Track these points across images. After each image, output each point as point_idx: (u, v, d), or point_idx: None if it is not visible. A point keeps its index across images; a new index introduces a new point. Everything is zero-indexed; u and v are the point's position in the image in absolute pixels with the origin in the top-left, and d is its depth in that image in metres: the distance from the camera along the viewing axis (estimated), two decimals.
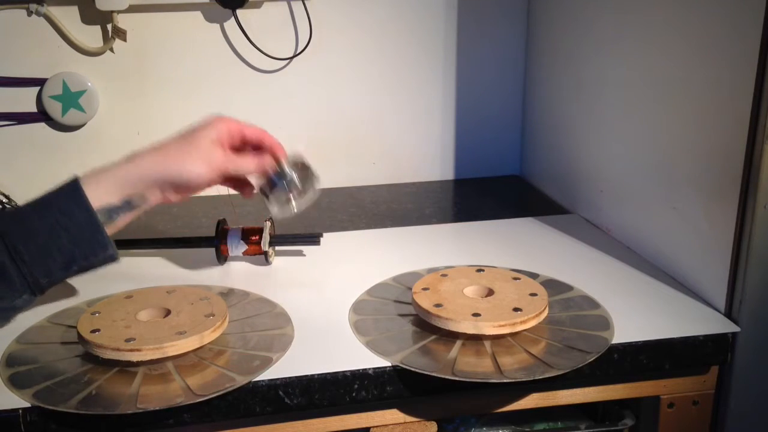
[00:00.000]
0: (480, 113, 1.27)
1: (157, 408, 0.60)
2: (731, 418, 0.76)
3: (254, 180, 0.79)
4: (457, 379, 0.64)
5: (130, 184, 0.70)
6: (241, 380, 0.64)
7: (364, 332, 0.72)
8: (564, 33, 1.09)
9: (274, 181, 0.77)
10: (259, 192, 0.79)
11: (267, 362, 0.67)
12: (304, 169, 0.79)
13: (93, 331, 0.66)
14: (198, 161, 0.72)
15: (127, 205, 0.70)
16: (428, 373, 0.65)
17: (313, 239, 0.90)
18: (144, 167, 0.71)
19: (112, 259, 0.69)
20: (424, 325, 0.72)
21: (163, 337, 0.66)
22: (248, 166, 0.76)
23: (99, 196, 0.69)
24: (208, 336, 0.67)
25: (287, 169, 0.78)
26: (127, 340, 0.65)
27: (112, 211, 0.69)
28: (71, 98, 1.12)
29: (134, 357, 0.64)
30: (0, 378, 0.65)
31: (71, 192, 0.68)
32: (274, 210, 0.79)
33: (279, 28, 1.16)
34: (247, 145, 0.78)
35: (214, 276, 0.87)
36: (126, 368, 0.65)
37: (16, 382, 0.64)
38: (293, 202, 0.78)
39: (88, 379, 0.64)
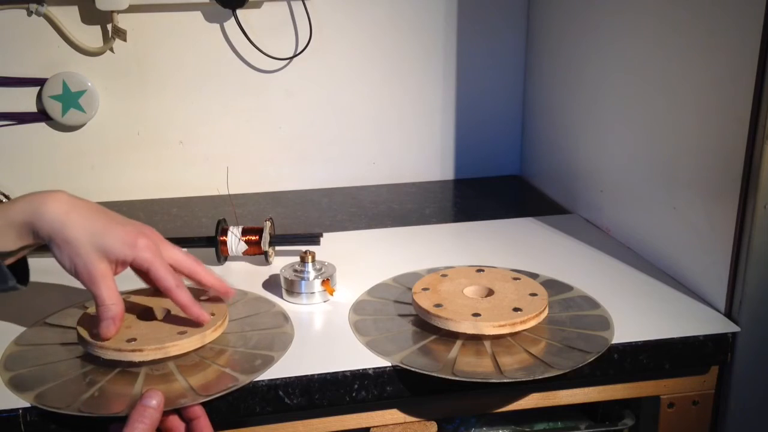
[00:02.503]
0: (480, 113, 1.27)
1: (162, 409, 0.60)
2: (731, 418, 0.76)
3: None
4: (457, 379, 0.64)
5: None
6: (243, 379, 0.64)
7: (364, 332, 0.72)
8: (564, 33, 1.09)
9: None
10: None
11: (269, 361, 0.67)
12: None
13: (95, 336, 0.66)
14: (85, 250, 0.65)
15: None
16: (428, 373, 0.65)
17: (313, 239, 0.90)
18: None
19: (14, 288, 0.69)
20: (424, 325, 0.72)
21: (165, 337, 0.66)
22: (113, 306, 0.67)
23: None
24: (210, 335, 0.67)
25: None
26: (129, 341, 0.65)
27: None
28: (71, 98, 1.12)
29: (136, 357, 0.64)
30: (0, 380, 0.64)
31: None
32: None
33: (279, 28, 1.16)
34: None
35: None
36: (127, 369, 0.65)
37: (17, 385, 0.64)
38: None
39: (90, 380, 0.64)
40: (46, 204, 0.65)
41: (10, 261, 0.68)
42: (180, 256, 0.70)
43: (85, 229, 0.65)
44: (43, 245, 0.67)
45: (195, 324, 0.68)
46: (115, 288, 0.66)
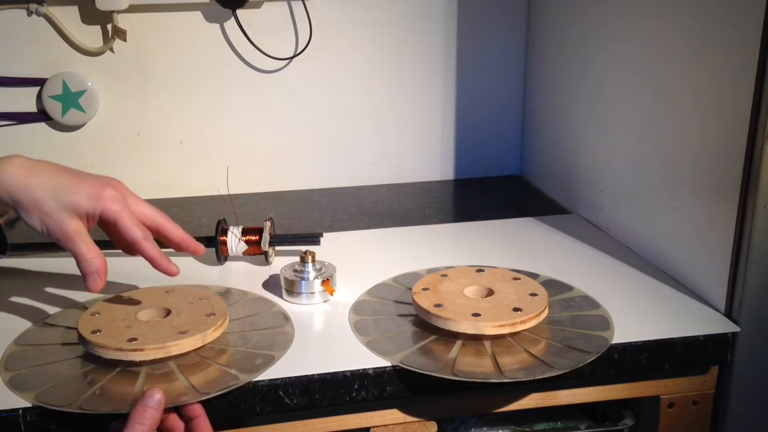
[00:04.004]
0: (480, 113, 1.27)
1: (163, 408, 0.60)
2: (731, 418, 0.76)
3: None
4: (457, 379, 0.64)
5: None
6: (244, 378, 0.64)
7: (364, 332, 0.72)
8: (564, 33, 1.09)
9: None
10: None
11: (269, 360, 0.67)
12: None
13: (94, 332, 0.66)
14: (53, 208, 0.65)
15: None
16: (428, 373, 0.65)
17: (313, 239, 0.90)
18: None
19: None
20: (424, 325, 0.72)
21: (166, 336, 0.66)
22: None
23: None
24: (210, 335, 0.68)
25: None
26: (130, 340, 0.65)
27: None
28: (71, 98, 1.12)
29: (137, 357, 0.64)
30: (1, 380, 0.64)
31: None
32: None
33: (279, 28, 1.16)
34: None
35: (213, 276, 0.87)
36: (128, 368, 0.65)
37: (17, 384, 0.64)
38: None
39: (91, 380, 0.64)
40: (3, 170, 0.64)
41: None
42: (148, 210, 0.69)
43: (49, 188, 0.64)
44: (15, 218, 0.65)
45: (195, 324, 0.68)
46: (91, 242, 0.65)
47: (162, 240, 0.69)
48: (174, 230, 0.69)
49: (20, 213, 0.65)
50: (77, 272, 0.68)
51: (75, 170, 0.68)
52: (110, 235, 0.70)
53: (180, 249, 0.70)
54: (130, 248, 0.68)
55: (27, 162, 0.66)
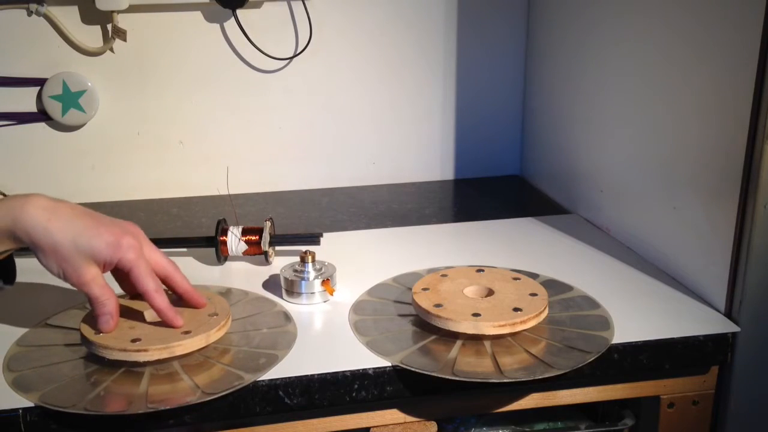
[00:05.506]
0: (480, 113, 1.27)
1: (169, 407, 0.60)
2: (731, 418, 0.76)
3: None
4: (457, 379, 0.64)
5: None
6: (249, 378, 0.64)
7: (364, 332, 0.72)
8: (564, 33, 1.09)
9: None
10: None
11: (273, 360, 0.67)
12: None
13: (97, 333, 0.66)
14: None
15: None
16: (428, 373, 0.65)
17: (313, 239, 0.90)
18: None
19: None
20: (424, 325, 0.72)
21: (169, 337, 0.66)
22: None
23: None
24: (214, 335, 0.68)
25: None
26: (133, 341, 0.65)
27: None
28: (71, 98, 1.12)
29: (141, 357, 0.64)
30: (4, 381, 0.64)
31: None
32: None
33: (279, 28, 1.16)
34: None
35: (214, 276, 0.87)
36: (132, 369, 0.65)
37: (21, 385, 0.64)
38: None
39: (95, 381, 0.64)
40: (25, 212, 0.65)
41: None
42: (161, 259, 0.70)
43: (69, 234, 0.65)
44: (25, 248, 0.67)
45: (199, 324, 0.68)
46: (105, 285, 0.66)
47: (168, 288, 0.71)
48: (181, 282, 0.71)
49: (38, 255, 0.66)
50: None
51: (94, 214, 0.69)
52: (121, 280, 0.72)
53: (183, 300, 0.71)
54: (140, 295, 0.69)
55: (49, 204, 0.66)
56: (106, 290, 0.66)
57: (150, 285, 0.67)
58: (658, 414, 0.75)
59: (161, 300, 0.67)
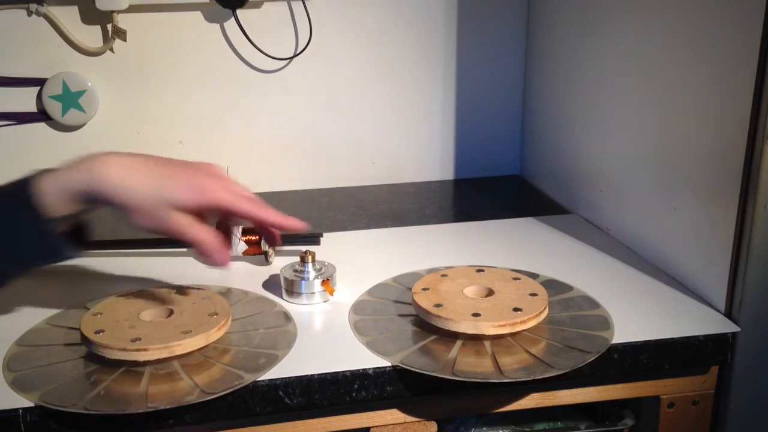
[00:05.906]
0: (480, 113, 1.27)
1: (170, 406, 0.60)
2: (731, 418, 0.76)
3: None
4: (457, 379, 0.64)
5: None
6: (249, 377, 0.64)
7: (364, 332, 0.72)
8: (564, 33, 1.09)
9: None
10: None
11: (273, 360, 0.67)
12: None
13: (97, 332, 0.66)
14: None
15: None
16: (428, 373, 0.65)
17: (313, 239, 0.90)
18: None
19: (69, 257, 0.68)
20: (424, 325, 0.72)
21: (169, 336, 0.66)
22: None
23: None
24: (214, 335, 0.68)
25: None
26: (133, 340, 0.65)
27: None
28: (71, 98, 1.12)
29: (141, 357, 0.64)
30: (4, 380, 0.64)
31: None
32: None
33: (279, 28, 1.16)
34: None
35: (214, 276, 0.87)
36: (132, 368, 0.65)
37: (21, 385, 0.64)
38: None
39: (95, 380, 0.64)
40: (103, 173, 0.65)
41: (64, 227, 0.67)
42: (244, 191, 0.70)
43: (150, 190, 0.65)
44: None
45: (199, 323, 0.68)
46: (200, 227, 0.67)
47: (255, 222, 0.71)
48: (269, 210, 0.71)
49: (125, 215, 0.66)
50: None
51: (170, 161, 0.68)
52: (202, 213, 0.69)
53: (276, 227, 0.71)
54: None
55: (123, 161, 0.66)
56: (205, 231, 0.67)
57: (257, 211, 0.68)
58: (658, 414, 0.75)
59: (273, 214, 0.68)
